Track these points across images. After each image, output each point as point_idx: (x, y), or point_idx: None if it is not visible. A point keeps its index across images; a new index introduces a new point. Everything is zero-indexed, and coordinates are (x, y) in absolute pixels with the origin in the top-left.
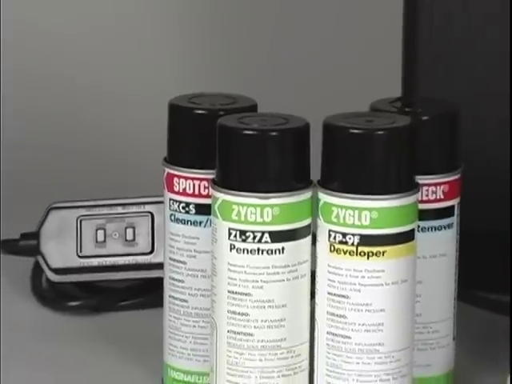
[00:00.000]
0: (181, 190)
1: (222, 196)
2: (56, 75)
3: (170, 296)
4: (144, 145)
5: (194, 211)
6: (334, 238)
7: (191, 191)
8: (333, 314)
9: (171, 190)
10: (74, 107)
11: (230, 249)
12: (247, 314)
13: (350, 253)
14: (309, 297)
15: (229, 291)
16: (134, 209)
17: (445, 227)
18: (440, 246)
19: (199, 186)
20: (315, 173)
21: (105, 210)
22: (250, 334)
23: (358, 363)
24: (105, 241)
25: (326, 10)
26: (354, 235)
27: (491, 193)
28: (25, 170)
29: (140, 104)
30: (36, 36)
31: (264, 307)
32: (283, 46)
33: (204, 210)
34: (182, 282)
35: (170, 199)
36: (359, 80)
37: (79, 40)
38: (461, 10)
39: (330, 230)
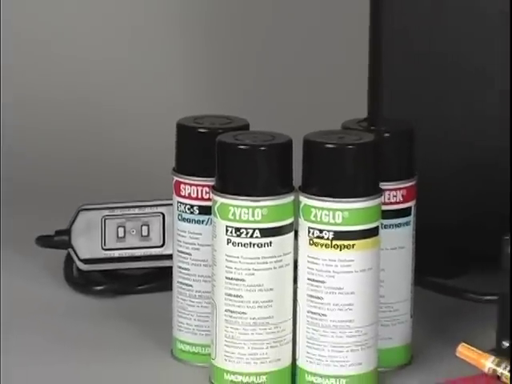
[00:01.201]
0: (187, 195)
1: (221, 199)
2: (76, 98)
3: (177, 282)
4: (156, 157)
5: (197, 212)
6: (313, 233)
7: (195, 195)
8: (311, 296)
9: (179, 195)
10: (97, 127)
11: (227, 243)
12: (241, 296)
13: (325, 246)
14: (292, 282)
15: (226, 277)
16: (148, 210)
17: (403, 225)
18: (399, 240)
19: (202, 191)
20: (297, 180)
21: (124, 211)
22: (244, 313)
23: (332, 336)
24: (124, 236)
25: (301, 44)
26: (328, 231)
27: (441, 196)
28: (56, 178)
29: (153, 123)
30: (43, 52)
31: (255, 290)
32: (271, 79)
33: (206, 210)
34: (188, 270)
35: (178, 202)
36: (333, 104)
37: (95, 62)
38: (423, 43)
39: (309, 227)
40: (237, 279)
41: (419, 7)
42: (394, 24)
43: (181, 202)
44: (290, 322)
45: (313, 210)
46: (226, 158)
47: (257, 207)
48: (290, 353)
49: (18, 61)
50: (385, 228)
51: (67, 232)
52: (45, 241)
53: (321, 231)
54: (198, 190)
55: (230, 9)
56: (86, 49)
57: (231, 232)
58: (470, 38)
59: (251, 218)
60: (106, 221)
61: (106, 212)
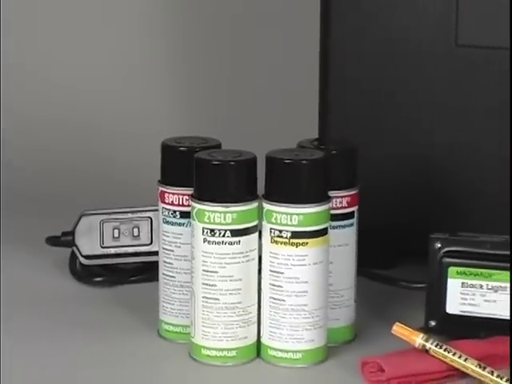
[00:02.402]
0: (170, 202)
1: (198, 206)
2: (73, 123)
3: (163, 274)
4: (144, 171)
5: (179, 216)
6: (274, 233)
7: (177, 202)
8: (273, 285)
9: (163, 202)
10: (98, 146)
11: (204, 241)
12: (215, 285)
13: (284, 243)
14: (257, 273)
15: (203, 270)
16: (138, 214)
17: (348, 226)
18: (345, 238)
19: (182, 199)
20: (261, 189)
21: (119, 216)
22: (217, 299)
23: (290, 318)
24: (119, 236)
25: (264, 76)
26: (287, 231)
27: (379, 202)
28: (59, 190)
29: (141, 143)
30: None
31: (226, 280)
32: (239, 106)
33: (186, 215)
34: (171, 264)
35: (163, 208)
36: (290, 126)
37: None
38: (366, 81)
39: (270, 228)
40: (211, 271)
41: (364, 46)
42: (342, 63)
43: (165, 208)
44: (256, 307)
45: (274, 214)
46: (202, 172)
47: (228, 212)
48: (256, 332)
49: (17, 81)
50: (333, 228)
51: (71, 233)
52: (53, 241)
53: (280, 231)
54: (179, 198)
55: (203, 48)
56: (81, 77)
57: (207, 232)
58: (402, 73)
59: (223, 221)
60: (104, 224)
61: (104, 216)
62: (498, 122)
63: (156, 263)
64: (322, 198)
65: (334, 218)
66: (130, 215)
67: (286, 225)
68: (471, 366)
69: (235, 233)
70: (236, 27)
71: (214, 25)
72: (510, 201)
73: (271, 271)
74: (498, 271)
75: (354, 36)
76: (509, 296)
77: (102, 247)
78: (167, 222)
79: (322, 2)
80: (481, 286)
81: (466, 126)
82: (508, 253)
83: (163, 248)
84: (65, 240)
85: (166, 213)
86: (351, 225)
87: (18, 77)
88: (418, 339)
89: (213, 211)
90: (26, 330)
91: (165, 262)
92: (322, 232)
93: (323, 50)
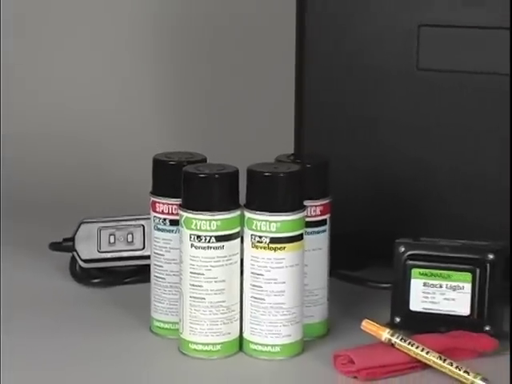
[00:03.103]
0: (161, 211)
1: (186, 214)
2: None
3: (154, 276)
4: (138, 183)
5: (168, 224)
6: (254, 239)
7: (167, 211)
8: (254, 285)
9: (155, 211)
10: (96, 161)
11: (191, 246)
12: (201, 286)
13: (263, 248)
14: (239, 275)
15: (190, 272)
16: (132, 222)
17: (321, 232)
18: (318, 243)
19: (172, 208)
20: (242, 199)
21: (114, 223)
22: (203, 298)
23: (269, 315)
24: (115, 242)
25: (245, 99)
26: (266, 237)
27: (349, 210)
28: (60, 200)
29: (134, 158)
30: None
31: (211, 281)
32: (223, 125)
33: (175, 223)
34: (162, 267)
35: (154, 216)
36: (269, 142)
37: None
38: (335, 103)
39: (251, 234)
40: (198, 273)
41: (335, 71)
42: (315, 88)
43: (156, 217)
44: (238, 305)
45: (254, 221)
46: (190, 184)
47: (212, 220)
48: (238, 328)
49: (18, 96)
50: (307, 234)
51: (72, 239)
52: (55, 246)
53: (260, 237)
54: (169, 208)
55: (189, 72)
56: (78, 98)
57: (194, 238)
58: (370, 96)
59: (208, 228)
60: (101, 231)
61: (101, 224)
62: (454, 140)
63: (148, 266)
64: (298, 207)
65: (309, 224)
66: (124, 223)
67: (265, 231)
68: (432, 358)
69: (219, 238)
70: (217, 52)
71: (199, 49)
72: (511, 202)
73: (252, 273)
74: (456, 272)
75: (326, 62)
76: (466, 294)
77: (100, 252)
78: (158, 229)
79: (297, 31)
80: (441, 286)
81: (427, 144)
82: (464, 255)
83: (154, 252)
84: (66, 245)
85: (157, 221)
86: (324, 231)
87: (19, 91)
88: (385, 334)
89: (199, 219)
90: (29, 327)
91: (156, 265)
92: (298, 237)
93: (298, 76)
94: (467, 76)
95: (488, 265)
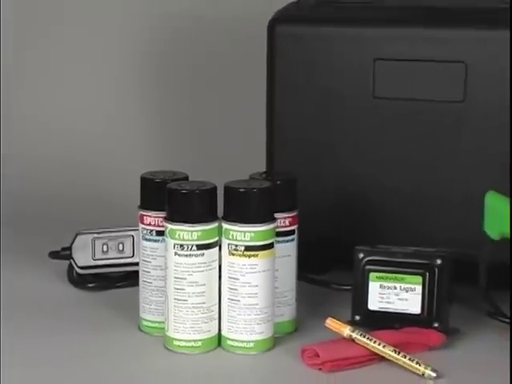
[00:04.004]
0: (148, 223)
1: (170, 226)
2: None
3: (142, 280)
4: (127, 198)
5: (155, 234)
6: (231, 247)
7: (153, 223)
8: (230, 288)
9: (143, 223)
10: (90, 177)
11: (175, 254)
12: (184, 289)
13: (239, 255)
14: (218, 279)
15: (174, 277)
16: (123, 233)
17: (290, 241)
18: (287, 250)
19: (158, 220)
20: (220, 212)
21: (107, 234)
22: (186, 300)
23: (244, 315)
24: (107, 251)
25: (222, 120)
26: (241, 245)
27: (315, 221)
28: (58, 213)
29: (124, 177)
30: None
31: (193, 285)
32: (202, 146)
33: (160, 233)
34: (149, 272)
35: (142, 228)
36: (244, 162)
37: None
38: (305, 126)
39: (228, 243)
40: (181, 278)
41: (303, 105)
42: (285, 120)
43: (144, 228)
44: (217, 306)
45: (231, 231)
46: (173, 199)
47: (194, 230)
48: (217, 326)
49: (17, 115)
50: (278, 243)
51: (69, 248)
52: (54, 254)
53: (236, 246)
54: (155, 220)
55: (172, 103)
56: (78, 123)
57: (177, 247)
58: (332, 123)
59: (190, 238)
60: (95, 240)
61: (95, 235)
62: (404, 160)
63: (137, 272)
64: (269, 219)
65: (279, 234)
66: (116, 233)
67: (241, 240)
68: (388, 352)
69: (200, 247)
70: (196, 86)
71: (182, 82)
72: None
73: (229, 277)
74: (408, 275)
75: (294, 97)
76: (417, 295)
77: (94, 259)
78: (146, 239)
79: (268, 68)
80: (395, 288)
81: (380, 164)
82: (416, 261)
83: (143, 260)
84: (64, 254)
85: (145, 232)
86: (292, 240)
87: (19, 114)
88: (346, 330)
89: (182, 230)
90: (30, 327)
91: (144, 270)
92: (270, 246)
93: (269, 106)
94: (419, 104)
95: (436, 269)
